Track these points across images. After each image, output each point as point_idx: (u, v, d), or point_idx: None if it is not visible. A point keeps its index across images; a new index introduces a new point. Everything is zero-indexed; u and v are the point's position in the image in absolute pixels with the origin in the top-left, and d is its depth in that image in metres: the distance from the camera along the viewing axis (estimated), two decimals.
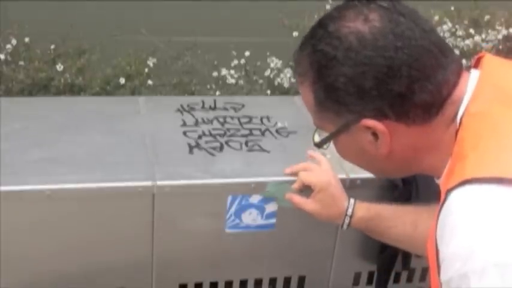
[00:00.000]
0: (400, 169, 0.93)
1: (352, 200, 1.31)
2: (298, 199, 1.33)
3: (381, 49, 0.81)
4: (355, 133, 0.87)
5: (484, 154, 0.77)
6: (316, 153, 1.41)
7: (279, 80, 2.69)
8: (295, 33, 2.67)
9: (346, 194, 1.32)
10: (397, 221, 1.24)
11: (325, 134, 0.92)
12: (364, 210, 1.29)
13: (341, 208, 1.30)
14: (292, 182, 1.37)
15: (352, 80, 0.82)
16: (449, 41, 2.74)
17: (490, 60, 0.89)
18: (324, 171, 1.35)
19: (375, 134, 0.85)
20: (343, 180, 1.46)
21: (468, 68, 0.89)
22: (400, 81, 0.81)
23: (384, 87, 0.81)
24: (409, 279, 1.66)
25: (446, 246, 0.74)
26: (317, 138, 0.95)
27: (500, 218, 0.71)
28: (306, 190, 1.34)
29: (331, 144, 0.95)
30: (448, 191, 0.76)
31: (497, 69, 0.88)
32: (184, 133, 1.59)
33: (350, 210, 1.29)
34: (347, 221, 1.29)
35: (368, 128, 0.85)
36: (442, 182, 0.83)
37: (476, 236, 0.71)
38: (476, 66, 0.90)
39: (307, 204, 1.32)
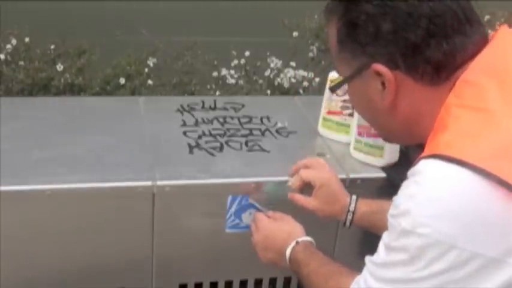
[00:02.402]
0: (403, 130, 0.94)
1: (354, 197, 1.30)
2: (299, 197, 1.33)
3: None
4: (366, 79, 0.90)
5: (461, 131, 0.80)
6: (312, 158, 1.41)
7: (279, 80, 2.69)
8: (295, 33, 2.67)
9: (347, 192, 1.32)
10: None
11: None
12: (367, 206, 1.29)
13: (343, 204, 1.29)
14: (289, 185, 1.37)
15: (372, 19, 0.85)
16: None
17: (502, 32, 0.90)
18: (325, 168, 1.35)
19: (383, 84, 0.88)
20: (343, 180, 1.46)
21: None
22: (416, 32, 0.83)
23: (400, 34, 0.84)
24: None
25: (397, 195, 0.83)
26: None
27: (448, 199, 0.76)
28: (307, 189, 1.34)
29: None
30: (421, 158, 0.82)
31: (504, 43, 0.88)
32: (184, 133, 1.59)
33: (352, 205, 1.29)
34: (350, 217, 1.29)
35: (378, 74, 0.87)
36: (426, 144, 0.86)
37: (419, 202, 0.78)
38: None
39: (309, 202, 1.31)
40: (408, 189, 0.81)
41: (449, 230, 0.75)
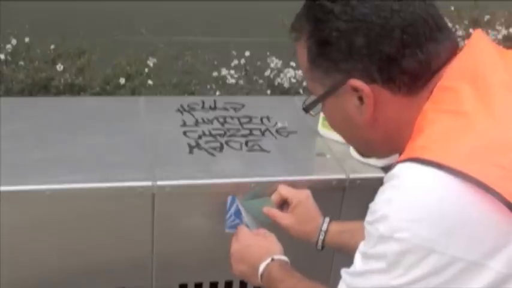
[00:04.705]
0: (384, 143, 0.93)
1: (327, 218, 1.30)
2: (275, 212, 1.32)
3: (377, 8, 0.83)
4: (342, 96, 0.88)
5: (436, 134, 0.79)
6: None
7: (279, 80, 2.69)
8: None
9: (322, 215, 1.31)
10: None
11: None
12: (337, 226, 1.29)
13: (316, 224, 1.29)
14: (268, 199, 1.37)
15: (344, 35, 0.84)
16: None
17: (476, 36, 0.89)
18: (303, 189, 1.35)
19: (360, 99, 0.86)
20: (343, 180, 1.46)
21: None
22: (391, 43, 0.82)
23: (374, 47, 0.83)
24: None
25: (373, 201, 0.81)
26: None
27: (426, 203, 0.75)
28: (284, 207, 1.34)
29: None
30: (397, 162, 0.81)
31: (479, 47, 0.88)
32: (184, 133, 1.59)
33: (325, 225, 1.28)
34: (321, 237, 1.28)
35: (354, 90, 0.86)
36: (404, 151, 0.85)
37: (397, 207, 0.77)
38: None
39: (284, 217, 1.31)
40: (385, 195, 0.79)
41: (428, 234, 0.73)
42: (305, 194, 1.33)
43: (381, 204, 0.79)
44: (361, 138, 0.95)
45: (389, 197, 0.78)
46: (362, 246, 0.83)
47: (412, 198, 0.76)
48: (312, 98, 0.94)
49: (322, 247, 1.30)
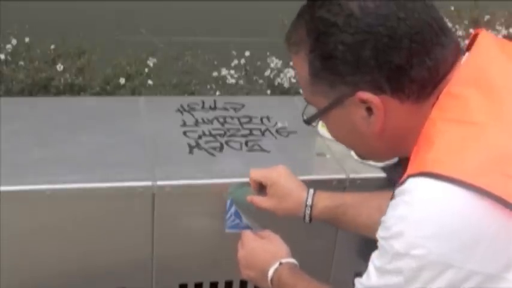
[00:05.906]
0: (389, 149, 0.92)
1: (311, 190, 1.26)
2: (256, 199, 1.31)
3: (383, 18, 0.80)
4: (348, 108, 0.86)
5: (448, 147, 0.78)
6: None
7: (279, 80, 2.69)
8: None
9: (305, 186, 1.28)
10: (362, 208, 1.20)
11: (316, 111, 0.91)
12: (327, 200, 1.25)
13: (298, 199, 1.26)
14: (249, 187, 1.35)
15: (351, 49, 0.81)
16: None
17: (483, 39, 0.87)
18: (275, 166, 1.32)
19: (368, 110, 0.84)
20: (343, 180, 1.46)
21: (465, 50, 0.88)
22: (400, 53, 0.80)
23: (382, 58, 0.80)
24: None
25: (385, 215, 0.80)
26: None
27: (441, 218, 0.74)
28: (263, 190, 1.33)
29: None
30: (409, 176, 0.79)
31: (486, 51, 0.86)
32: (184, 133, 1.59)
33: (309, 200, 1.25)
34: (308, 211, 1.25)
35: (363, 102, 0.83)
36: (410, 160, 0.83)
37: (411, 223, 0.76)
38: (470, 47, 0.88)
39: (263, 201, 1.30)
40: (398, 210, 0.78)
41: (444, 249, 0.73)
42: (276, 173, 1.29)
43: (395, 220, 0.78)
44: (366, 147, 0.93)
45: (404, 214, 0.77)
46: (376, 260, 0.82)
47: (426, 214, 0.75)
48: (311, 108, 0.91)
49: (310, 220, 1.27)
